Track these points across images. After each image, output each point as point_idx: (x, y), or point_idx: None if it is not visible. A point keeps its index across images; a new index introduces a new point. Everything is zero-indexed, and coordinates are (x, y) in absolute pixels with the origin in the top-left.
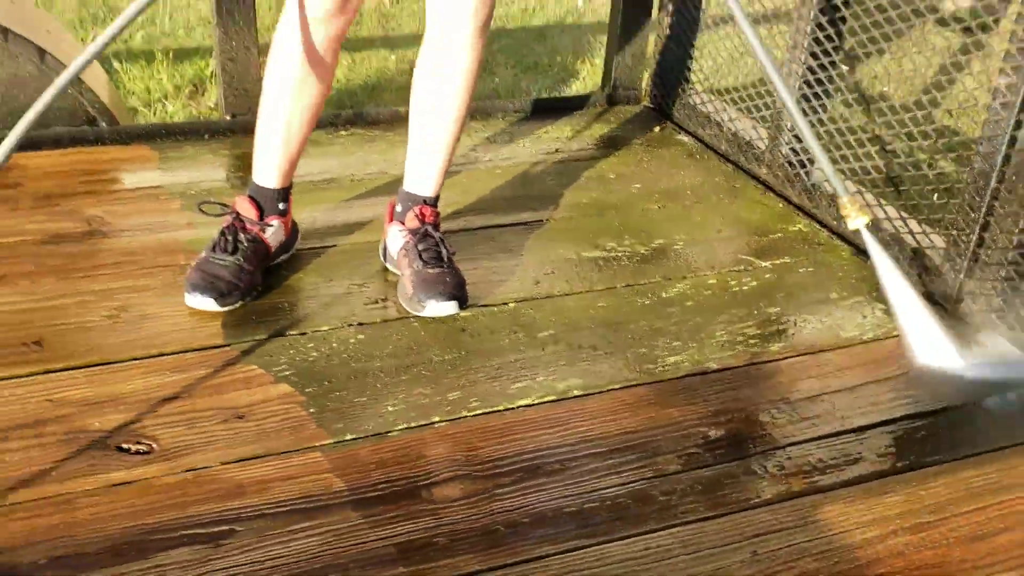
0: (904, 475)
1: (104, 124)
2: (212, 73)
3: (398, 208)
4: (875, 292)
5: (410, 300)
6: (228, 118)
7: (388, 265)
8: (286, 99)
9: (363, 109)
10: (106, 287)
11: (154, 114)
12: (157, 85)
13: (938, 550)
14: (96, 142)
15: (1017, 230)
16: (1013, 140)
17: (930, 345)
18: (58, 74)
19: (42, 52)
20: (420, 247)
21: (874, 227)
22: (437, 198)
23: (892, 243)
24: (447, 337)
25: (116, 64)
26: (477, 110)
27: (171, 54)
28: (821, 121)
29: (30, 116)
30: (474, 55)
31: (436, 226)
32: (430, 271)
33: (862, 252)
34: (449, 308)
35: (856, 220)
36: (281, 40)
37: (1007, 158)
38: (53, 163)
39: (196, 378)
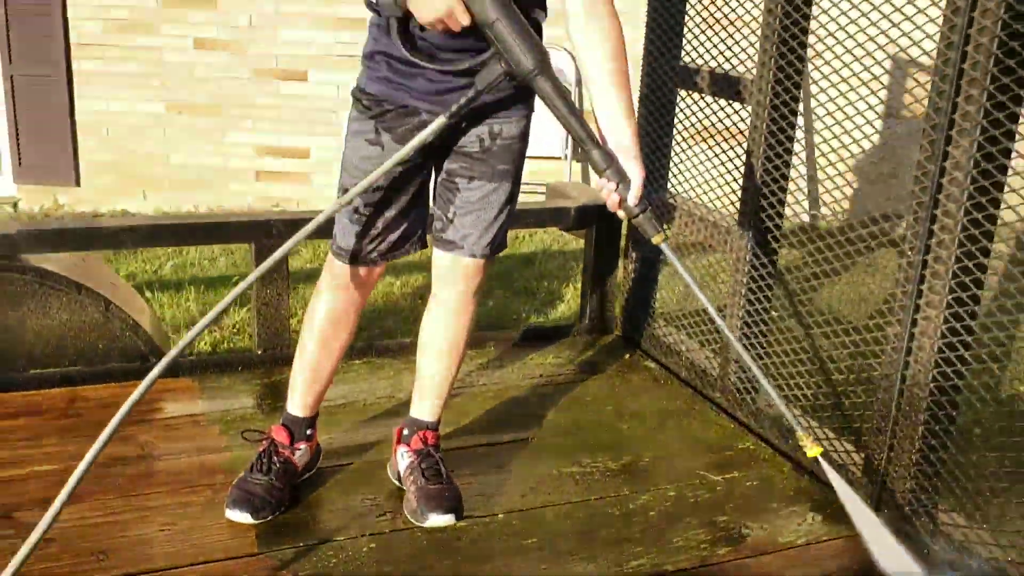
0: None
1: (153, 359)
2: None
3: (405, 432)
4: (811, 502)
5: (414, 512)
6: (260, 352)
7: (396, 481)
8: (317, 349)
9: (373, 341)
10: (159, 503)
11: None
12: (185, 313)
13: None
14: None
15: (915, 450)
16: (904, 378)
17: (890, 557)
18: (121, 320)
19: (108, 303)
20: (423, 466)
21: (825, 456)
22: (438, 422)
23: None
24: (446, 544)
25: (148, 293)
26: (473, 339)
27: (201, 286)
28: (767, 353)
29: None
30: (469, 313)
31: (437, 447)
32: (431, 487)
33: (799, 467)
34: (447, 520)
35: (812, 451)
36: (316, 303)
37: (901, 392)
38: (111, 394)
39: None
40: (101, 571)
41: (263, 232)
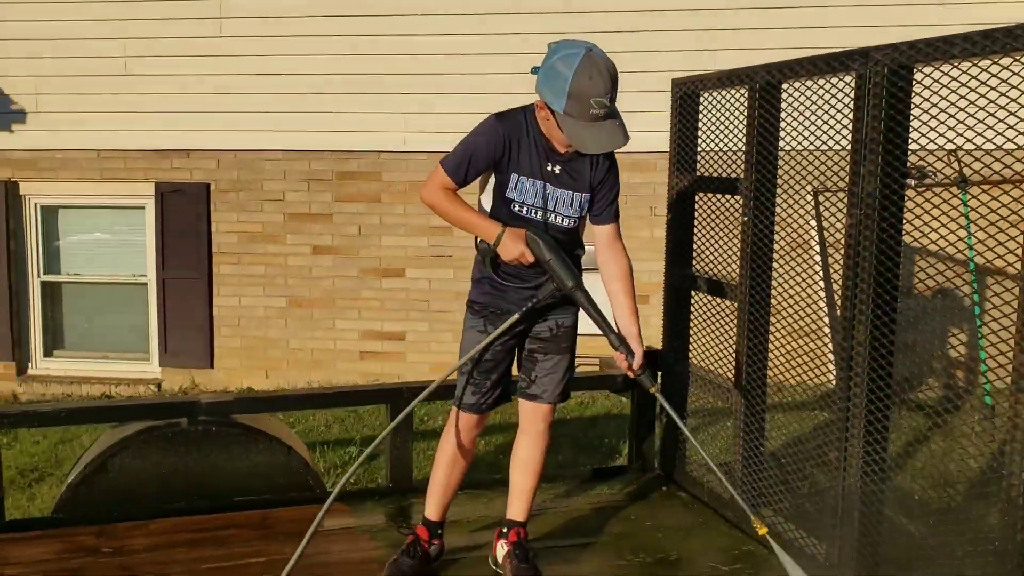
0: None
1: (318, 490)
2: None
3: (504, 530)
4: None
5: None
6: (390, 484)
7: (494, 566)
8: (448, 472)
9: (471, 478)
10: None
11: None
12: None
13: None
14: (311, 502)
15: (854, 533)
16: (842, 487)
17: None
18: (297, 461)
19: (289, 448)
20: (516, 552)
21: (770, 533)
22: (527, 522)
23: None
24: None
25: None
26: (547, 476)
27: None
28: (759, 478)
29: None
30: (546, 441)
31: (526, 539)
32: (523, 566)
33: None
34: None
35: (760, 530)
36: (445, 442)
37: (841, 494)
38: (293, 515)
39: None
40: None
41: (397, 396)
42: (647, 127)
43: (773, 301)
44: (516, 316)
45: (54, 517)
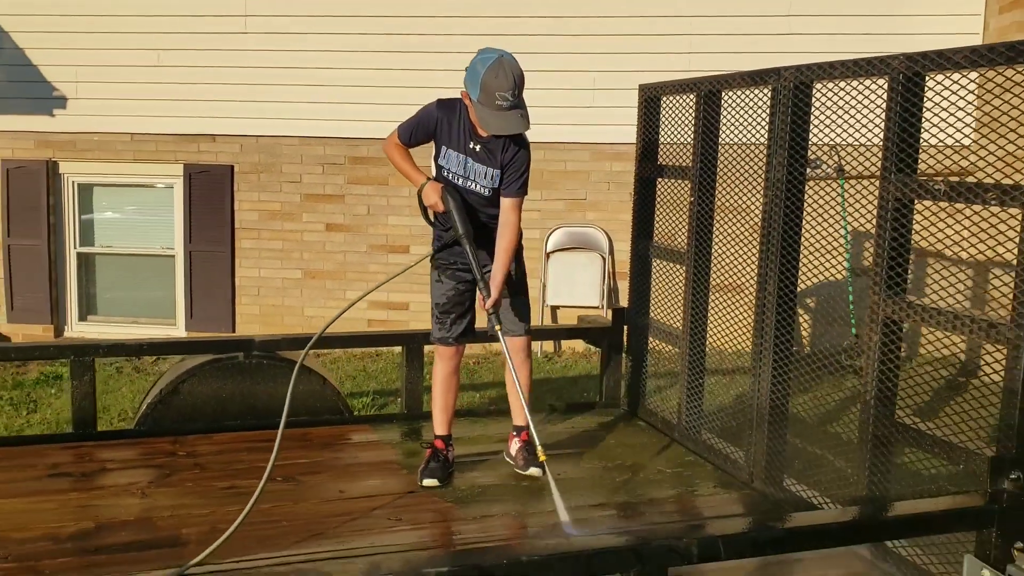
0: None
1: (346, 413)
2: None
3: (514, 434)
4: (706, 478)
5: (521, 467)
6: (405, 412)
7: (507, 459)
8: (442, 394)
9: (472, 409)
10: (381, 480)
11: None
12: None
13: None
14: (341, 423)
15: (764, 445)
16: (756, 403)
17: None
18: (330, 390)
19: (324, 379)
20: (525, 449)
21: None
22: (528, 426)
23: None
24: (531, 480)
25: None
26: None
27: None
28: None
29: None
30: (528, 366)
31: (530, 439)
32: (529, 456)
33: (706, 461)
34: (537, 471)
35: (541, 456)
36: (435, 371)
37: (756, 410)
38: (326, 432)
39: None
40: (386, 519)
41: (411, 339)
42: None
43: (713, 264)
44: (428, 252)
45: (137, 429)
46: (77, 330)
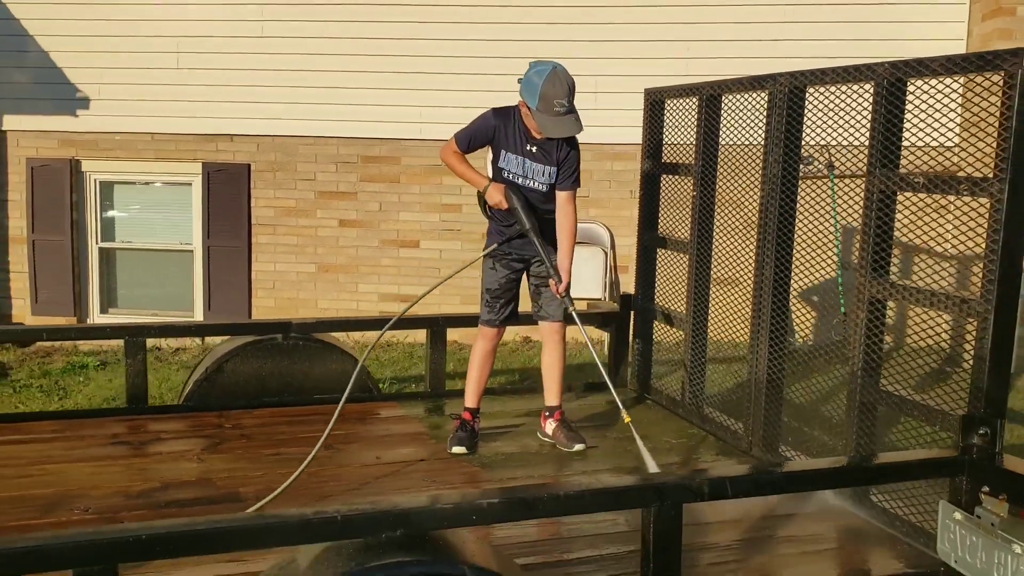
0: None
1: (375, 392)
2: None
3: (547, 413)
4: (709, 446)
5: (565, 445)
6: (429, 390)
7: (542, 437)
8: (478, 368)
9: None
10: (411, 448)
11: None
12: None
13: None
14: (371, 400)
15: (761, 418)
16: (755, 382)
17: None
18: (361, 370)
19: (355, 360)
20: (564, 426)
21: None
22: (560, 406)
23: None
24: (567, 455)
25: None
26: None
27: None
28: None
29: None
30: (561, 348)
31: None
32: (571, 433)
33: (706, 432)
34: (581, 447)
35: (626, 418)
36: (475, 348)
37: (756, 387)
38: (357, 408)
39: None
40: (421, 480)
41: (434, 322)
42: (628, 123)
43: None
44: (494, 245)
45: (184, 404)
46: (99, 321)
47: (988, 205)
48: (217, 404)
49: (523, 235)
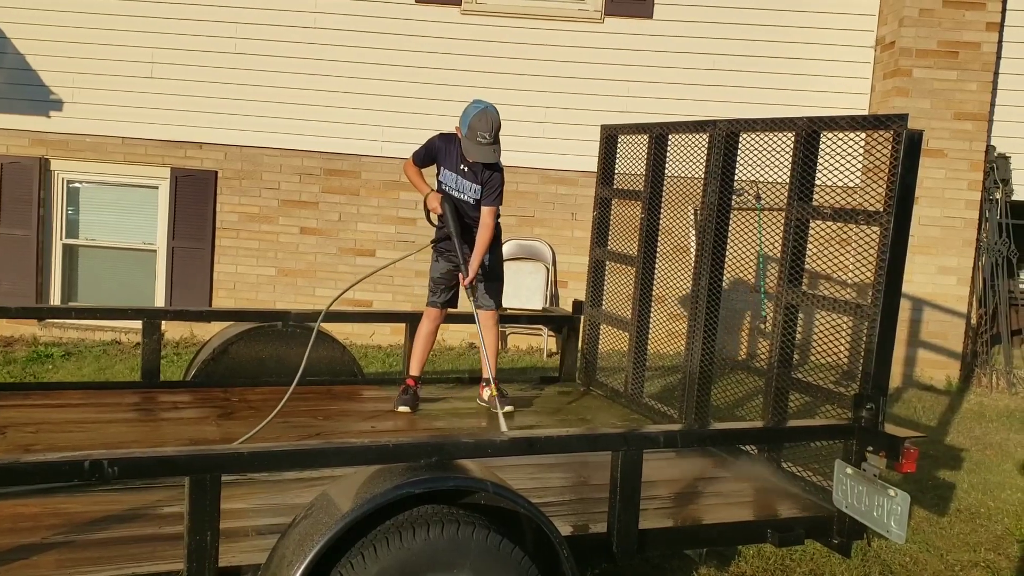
0: None
1: (360, 375)
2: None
3: (483, 383)
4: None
5: (497, 408)
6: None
7: (481, 403)
8: (421, 343)
9: (443, 375)
10: (372, 407)
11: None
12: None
13: None
14: (356, 383)
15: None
16: (688, 372)
17: None
18: (348, 356)
19: (343, 348)
20: (497, 395)
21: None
22: (495, 377)
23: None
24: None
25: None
26: (505, 381)
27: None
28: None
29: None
30: (495, 332)
31: (500, 389)
32: (504, 399)
33: (648, 417)
34: (510, 408)
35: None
36: (420, 326)
37: (690, 377)
38: (344, 389)
39: None
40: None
41: (411, 317)
42: (572, 152)
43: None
44: (427, 244)
45: (192, 381)
46: (60, 315)
47: (879, 233)
48: (221, 381)
49: (449, 236)
